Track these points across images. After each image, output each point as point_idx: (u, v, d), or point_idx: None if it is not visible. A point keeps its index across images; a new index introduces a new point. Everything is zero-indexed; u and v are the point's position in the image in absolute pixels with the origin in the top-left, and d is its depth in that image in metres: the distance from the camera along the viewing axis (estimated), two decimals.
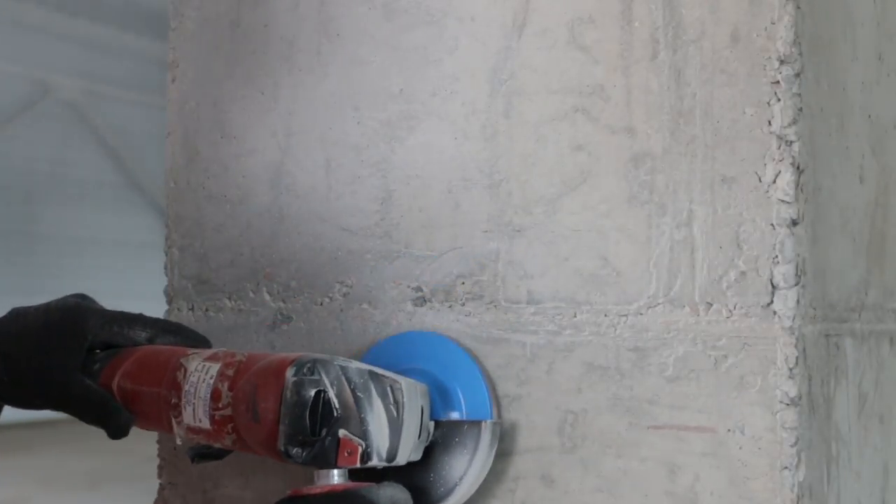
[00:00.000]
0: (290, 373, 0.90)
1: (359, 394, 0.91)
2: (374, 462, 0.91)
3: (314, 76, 1.15)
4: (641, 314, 0.98)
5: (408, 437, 0.94)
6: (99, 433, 1.03)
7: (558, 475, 1.01)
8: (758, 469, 0.93)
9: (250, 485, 1.16)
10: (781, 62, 0.94)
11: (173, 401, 0.98)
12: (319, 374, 0.90)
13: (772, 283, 0.94)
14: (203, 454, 1.02)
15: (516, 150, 1.04)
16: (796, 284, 0.93)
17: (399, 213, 1.10)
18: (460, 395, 1.01)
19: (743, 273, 0.95)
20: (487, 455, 0.99)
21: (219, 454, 1.02)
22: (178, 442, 0.99)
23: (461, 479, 0.98)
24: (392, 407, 0.92)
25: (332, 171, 1.13)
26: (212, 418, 0.94)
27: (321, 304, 1.13)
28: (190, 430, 0.97)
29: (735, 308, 0.95)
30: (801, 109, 0.95)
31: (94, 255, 10.70)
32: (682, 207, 0.97)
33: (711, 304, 0.96)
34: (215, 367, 0.96)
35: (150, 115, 10.59)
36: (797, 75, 0.94)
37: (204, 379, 0.96)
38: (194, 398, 0.96)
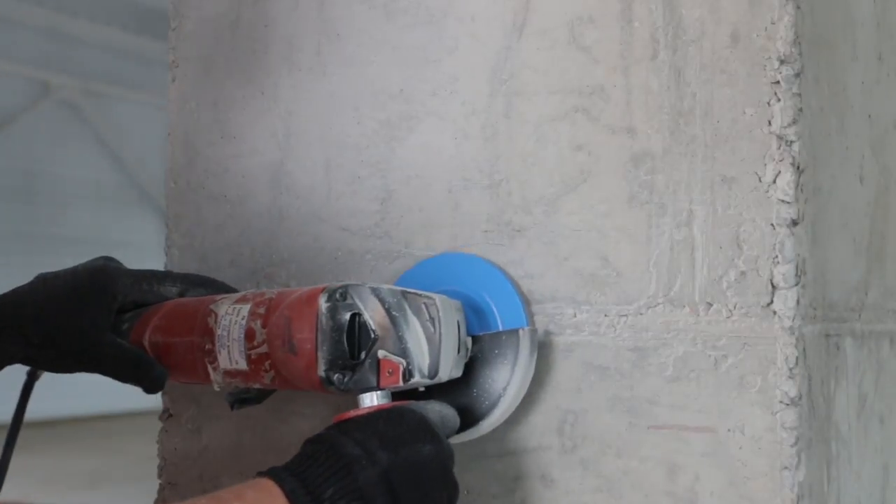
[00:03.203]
0: (322, 299, 0.89)
1: (394, 313, 0.90)
2: (416, 379, 0.90)
3: (314, 76, 1.15)
4: (641, 314, 0.98)
5: (447, 351, 0.93)
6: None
7: (558, 475, 1.00)
8: (758, 469, 0.93)
9: None
10: (781, 62, 0.94)
11: (207, 347, 0.97)
12: (352, 298, 0.89)
13: (772, 283, 0.94)
14: (242, 399, 1.01)
15: (516, 150, 1.04)
16: (796, 284, 0.93)
17: (399, 213, 1.10)
18: (494, 310, 1.00)
19: (743, 273, 0.95)
20: (528, 363, 0.97)
21: (258, 397, 1.01)
22: (216, 388, 0.98)
23: (505, 389, 0.97)
24: (428, 323, 0.91)
25: (332, 171, 1.13)
26: (248, 358, 0.93)
27: None
28: (227, 374, 0.96)
29: (735, 308, 0.95)
30: (801, 109, 0.95)
31: (94, 256, 10.65)
32: (682, 207, 0.97)
33: (711, 304, 0.96)
34: (246, 308, 0.95)
35: (150, 115, 10.59)
36: (797, 75, 0.94)
37: (236, 321, 0.95)
38: (228, 341, 0.95)
